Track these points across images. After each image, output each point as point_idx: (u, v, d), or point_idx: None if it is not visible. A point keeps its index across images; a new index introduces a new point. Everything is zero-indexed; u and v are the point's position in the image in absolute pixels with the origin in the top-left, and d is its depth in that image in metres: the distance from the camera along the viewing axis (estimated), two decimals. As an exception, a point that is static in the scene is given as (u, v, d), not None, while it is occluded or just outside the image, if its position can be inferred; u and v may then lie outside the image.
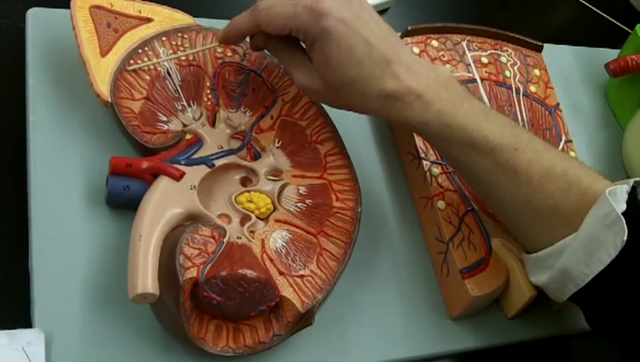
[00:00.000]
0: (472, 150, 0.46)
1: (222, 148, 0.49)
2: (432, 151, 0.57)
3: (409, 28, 0.62)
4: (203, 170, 0.47)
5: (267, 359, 0.46)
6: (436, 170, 0.56)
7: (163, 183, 0.46)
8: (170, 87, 0.50)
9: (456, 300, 0.53)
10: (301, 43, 0.47)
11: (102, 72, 0.48)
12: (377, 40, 0.45)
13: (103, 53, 0.49)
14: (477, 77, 0.63)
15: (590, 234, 0.44)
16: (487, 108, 0.48)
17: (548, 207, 0.46)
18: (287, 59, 0.48)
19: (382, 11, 0.74)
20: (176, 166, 0.47)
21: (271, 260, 0.46)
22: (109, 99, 0.48)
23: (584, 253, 0.44)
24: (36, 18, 0.53)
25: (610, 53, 0.75)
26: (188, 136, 0.49)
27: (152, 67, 0.50)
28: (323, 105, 0.54)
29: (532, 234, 0.49)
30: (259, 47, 0.50)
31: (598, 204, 0.44)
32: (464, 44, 0.64)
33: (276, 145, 0.52)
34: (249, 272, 0.43)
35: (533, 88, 0.65)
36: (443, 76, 0.47)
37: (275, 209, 0.49)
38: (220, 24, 0.55)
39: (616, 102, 0.74)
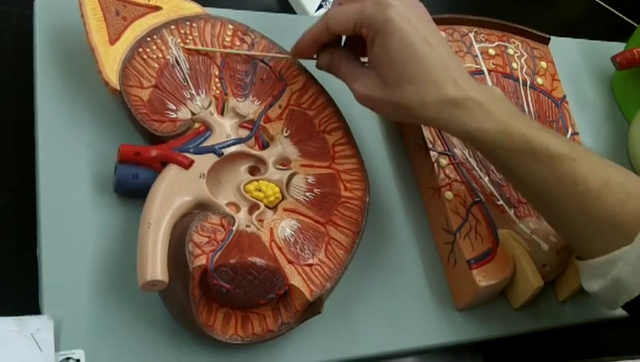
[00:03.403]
0: (531, 159, 0.45)
1: (230, 137, 0.49)
2: (439, 142, 0.57)
3: (416, 19, 0.62)
4: (212, 158, 0.47)
5: (275, 347, 0.46)
6: (443, 160, 0.56)
7: (172, 171, 0.46)
8: (178, 75, 0.50)
9: (463, 291, 0.53)
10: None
11: (110, 60, 0.48)
12: (437, 44, 0.46)
13: (112, 41, 0.49)
14: (484, 68, 0.63)
15: None
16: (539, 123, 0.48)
17: (605, 217, 0.45)
18: (348, 71, 0.50)
19: (388, 3, 0.73)
20: (185, 154, 0.47)
21: (279, 249, 0.46)
22: (118, 87, 0.48)
23: (638, 264, 0.44)
24: (44, 6, 0.52)
25: (617, 47, 0.75)
26: (196, 125, 0.49)
27: (160, 56, 0.50)
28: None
29: (587, 243, 0.48)
30: (324, 65, 0.52)
31: None
32: (471, 35, 0.64)
33: (284, 134, 0.52)
34: (258, 260, 0.43)
35: (539, 80, 0.65)
36: (497, 91, 0.48)
37: (283, 198, 0.49)
38: (228, 13, 0.56)
39: (623, 95, 0.74)
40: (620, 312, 0.48)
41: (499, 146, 0.46)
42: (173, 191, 0.45)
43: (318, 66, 0.52)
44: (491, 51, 0.64)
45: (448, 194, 0.54)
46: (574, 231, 0.48)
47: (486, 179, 0.57)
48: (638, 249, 0.44)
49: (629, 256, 0.44)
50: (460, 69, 0.47)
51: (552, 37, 0.68)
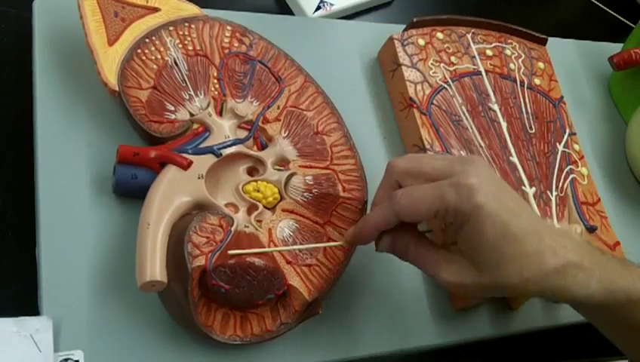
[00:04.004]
0: (627, 310, 0.44)
1: (229, 137, 0.49)
2: (437, 143, 0.57)
3: (414, 20, 0.62)
4: (210, 159, 0.48)
5: (274, 348, 0.46)
6: (441, 161, 0.56)
7: (171, 172, 0.46)
8: (177, 76, 0.50)
9: (461, 291, 0.53)
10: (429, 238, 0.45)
11: (109, 61, 0.48)
12: (524, 212, 0.42)
13: (111, 42, 0.49)
14: (482, 69, 0.63)
15: None
16: (618, 257, 0.46)
17: None
18: (424, 257, 0.44)
19: (385, 4, 0.74)
20: (183, 155, 0.47)
21: (278, 249, 0.46)
22: (117, 88, 0.48)
23: None
24: (43, 7, 0.52)
25: (614, 47, 0.75)
26: (195, 126, 0.49)
27: (159, 57, 0.50)
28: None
29: None
30: (384, 249, 0.46)
31: None
32: (469, 36, 0.64)
33: (283, 135, 0.52)
34: (257, 260, 0.43)
35: (537, 81, 0.65)
36: (578, 236, 0.45)
37: (282, 198, 0.49)
38: (226, 14, 0.56)
39: (620, 95, 0.74)
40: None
41: (603, 306, 0.43)
42: (172, 192, 0.45)
43: (378, 250, 0.46)
44: (489, 52, 0.64)
45: (446, 195, 0.54)
46: None
47: (484, 179, 0.57)
48: None
49: None
50: (549, 230, 0.43)
51: (549, 37, 0.68)
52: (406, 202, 0.42)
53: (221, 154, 0.48)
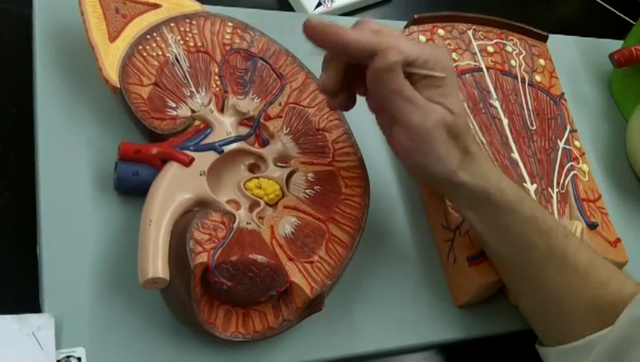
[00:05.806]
0: (532, 226, 0.46)
1: (230, 134, 0.49)
2: (438, 140, 0.57)
3: (415, 16, 0.62)
4: (212, 155, 0.47)
5: (276, 344, 0.46)
6: (443, 158, 0.56)
7: (172, 169, 0.46)
8: (178, 73, 0.50)
9: (462, 288, 0.53)
10: None
11: (110, 58, 0.48)
12: None
13: (112, 38, 0.49)
14: (483, 66, 0.63)
15: (625, 333, 0.43)
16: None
17: (587, 299, 0.46)
18: None
19: (386, 1, 0.74)
20: (185, 152, 0.47)
21: (280, 246, 0.46)
22: (118, 85, 0.47)
23: (616, 351, 0.43)
24: (43, 4, 0.52)
25: (614, 44, 0.75)
26: (197, 123, 0.49)
27: (160, 53, 0.50)
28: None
29: (563, 326, 0.48)
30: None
31: (635, 304, 0.44)
32: (470, 33, 0.64)
33: (284, 131, 0.52)
34: (259, 257, 0.43)
35: (538, 78, 0.65)
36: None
37: (283, 195, 0.49)
38: (227, 11, 0.56)
39: (620, 92, 0.74)
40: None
41: (507, 209, 0.46)
42: (173, 189, 0.45)
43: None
44: (490, 49, 0.64)
45: (448, 192, 0.54)
46: (554, 311, 0.48)
47: (485, 176, 0.57)
48: (616, 336, 0.43)
49: (606, 343, 0.44)
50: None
51: (550, 34, 0.68)
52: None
53: (223, 151, 0.48)
